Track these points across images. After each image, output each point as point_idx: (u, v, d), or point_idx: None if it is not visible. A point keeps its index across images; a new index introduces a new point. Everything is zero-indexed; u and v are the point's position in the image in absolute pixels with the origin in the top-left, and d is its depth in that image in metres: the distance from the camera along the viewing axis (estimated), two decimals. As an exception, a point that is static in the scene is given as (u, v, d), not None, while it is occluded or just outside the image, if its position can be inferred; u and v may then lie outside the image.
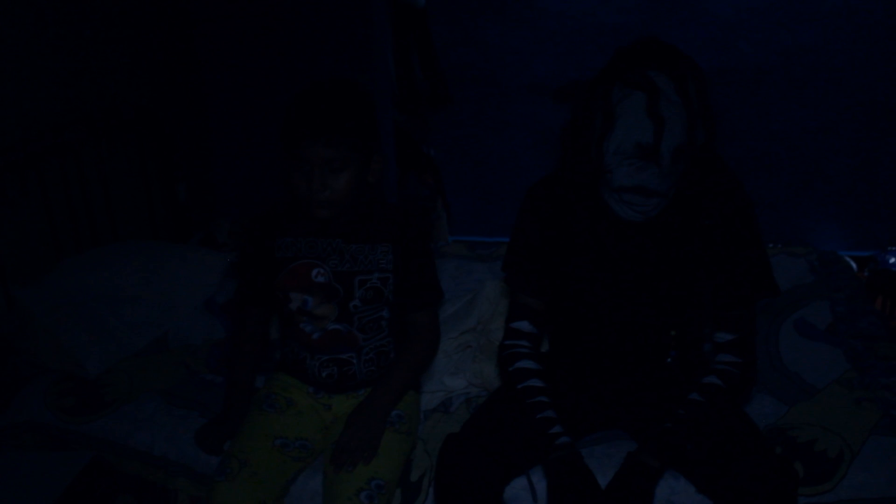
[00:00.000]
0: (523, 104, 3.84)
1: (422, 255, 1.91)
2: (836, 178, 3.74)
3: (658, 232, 1.68)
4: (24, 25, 2.33)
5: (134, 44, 2.90)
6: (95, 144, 2.61)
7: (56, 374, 2.19)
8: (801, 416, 1.93)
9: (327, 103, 1.74)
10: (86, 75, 2.61)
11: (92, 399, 2.11)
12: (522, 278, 1.79)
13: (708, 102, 1.57)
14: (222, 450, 1.89)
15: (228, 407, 1.95)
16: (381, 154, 1.86)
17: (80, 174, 2.55)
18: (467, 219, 4.08)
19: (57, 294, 2.31)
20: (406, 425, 1.89)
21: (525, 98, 3.82)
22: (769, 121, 3.67)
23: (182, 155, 3.13)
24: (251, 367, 2.00)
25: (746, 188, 1.69)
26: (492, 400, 1.85)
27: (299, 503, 1.86)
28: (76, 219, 2.56)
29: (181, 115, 3.24)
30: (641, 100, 1.51)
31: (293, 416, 1.90)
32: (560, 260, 1.74)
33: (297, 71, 3.33)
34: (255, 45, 3.34)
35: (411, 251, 1.89)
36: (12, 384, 2.20)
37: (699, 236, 1.66)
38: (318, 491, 1.85)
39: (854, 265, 3.10)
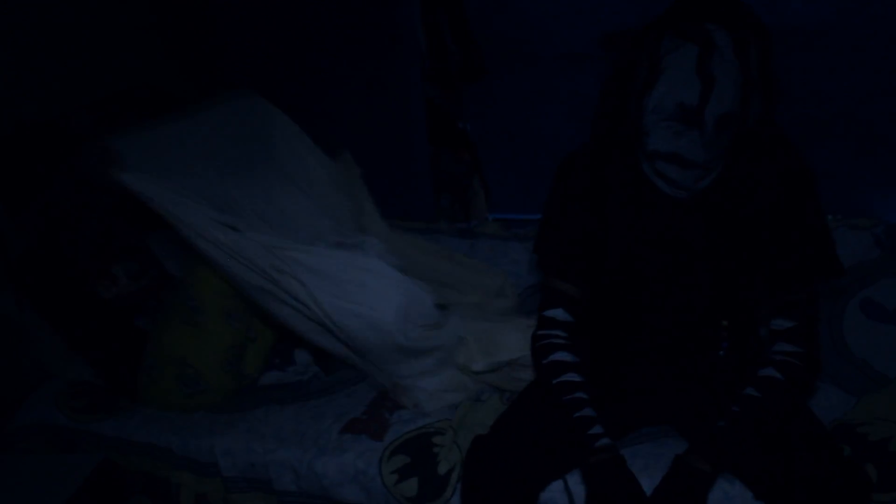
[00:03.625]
0: (562, 75, 3.71)
1: None
2: (899, 144, 3.54)
3: (707, 209, 1.51)
4: (30, 6, 2.22)
5: (148, 22, 2.78)
6: (109, 128, 2.48)
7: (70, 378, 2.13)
8: (871, 410, 1.76)
9: None
10: (96, 56, 2.49)
11: (105, 400, 2.06)
12: (556, 261, 1.63)
13: (771, 70, 1.39)
14: None
15: None
16: None
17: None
18: (504, 196, 3.94)
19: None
20: None
21: (564, 69, 3.68)
22: (823, 84, 3.47)
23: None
24: None
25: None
26: (524, 396, 1.70)
27: None
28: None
29: (199, 97, 3.11)
30: (692, 54, 1.35)
31: None
32: (598, 241, 1.57)
33: (321, 49, 3.20)
34: (276, 21, 3.20)
35: None
36: (26, 386, 2.13)
37: (754, 215, 1.49)
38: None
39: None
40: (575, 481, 1.60)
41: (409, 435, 1.86)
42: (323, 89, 3.22)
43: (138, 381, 2.01)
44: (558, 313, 1.62)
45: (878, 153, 3.58)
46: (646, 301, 1.58)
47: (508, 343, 1.95)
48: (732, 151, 1.47)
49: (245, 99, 2.40)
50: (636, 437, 1.72)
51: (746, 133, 1.44)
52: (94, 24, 2.48)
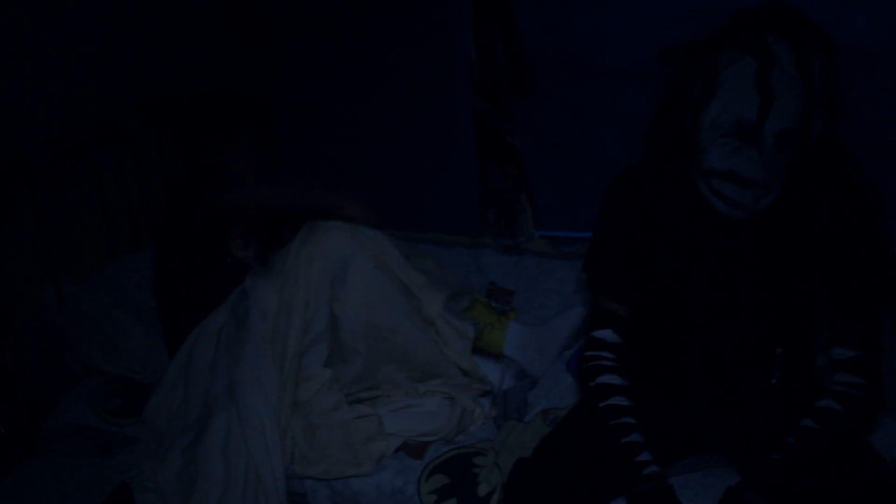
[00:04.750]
0: (613, 91, 3.62)
1: None
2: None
3: (766, 230, 1.44)
4: (77, 8, 2.22)
5: (197, 26, 2.78)
6: (155, 133, 2.49)
7: (107, 376, 2.12)
8: (935, 447, 1.66)
9: None
10: (143, 59, 2.50)
11: (139, 402, 2.03)
12: (606, 281, 1.57)
13: (836, 84, 1.33)
14: None
15: None
16: None
17: (137, 164, 2.43)
18: (551, 213, 3.87)
19: (114, 292, 2.22)
20: None
21: (615, 85, 3.59)
22: (888, 106, 3.33)
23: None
24: None
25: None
26: (569, 419, 1.64)
27: None
28: (134, 213, 2.44)
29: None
30: (751, 67, 1.29)
31: None
32: (648, 261, 1.51)
33: (372, 60, 3.18)
34: (327, 30, 3.19)
35: None
36: (63, 384, 2.12)
37: (816, 237, 1.42)
38: None
39: None
40: (621, 510, 1.54)
41: (449, 454, 1.81)
42: (372, 100, 3.20)
43: None
44: (607, 334, 1.57)
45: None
46: (697, 325, 1.52)
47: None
48: (794, 170, 1.40)
49: None
50: (684, 466, 1.64)
51: (809, 151, 1.37)
52: (143, 28, 2.49)
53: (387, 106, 3.19)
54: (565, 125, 3.75)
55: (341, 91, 3.23)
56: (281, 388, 1.82)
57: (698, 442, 1.63)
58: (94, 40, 2.29)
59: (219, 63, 2.91)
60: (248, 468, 1.75)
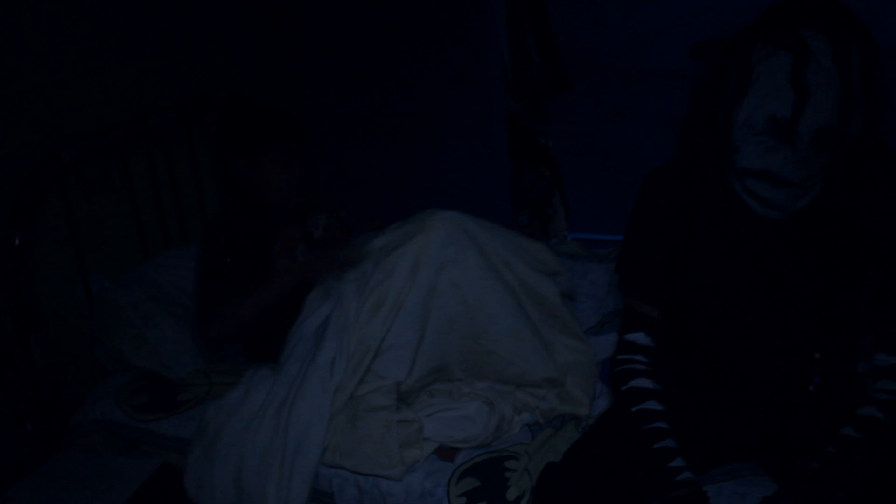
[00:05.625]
0: (650, 91, 3.59)
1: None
2: None
3: (804, 231, 1.39)
4: (109, 6, 2.23)
5: (230, 26, 2.78)
6: (186, 131, 2.50)
7: (134, 372, 2.12)
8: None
9: None
10: (175, 58, 2.50)
11: (165, 398, 2.04)
12: (639, 282, 1.53)
13: (876, 79, 1.28)
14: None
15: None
16: None
17: (168, 163, 2.44)
18: (585, 215, 3.84)
19: (145, 288, 2.22)
20: None
21: (650, 84, 3.56)
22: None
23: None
24: None
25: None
26: (600, 423, 1.60)
27: None
28: (164, 211, 2.45)
29: (280, 103, 3.09)
30: (785, 62, 1.24)
31: None
32: (682, 262, 1.47)
33: (404, 59, 3.16)
34: (361, 31, 3.19)
35: None
36: (91, 381, 2.13)
37: (857, 238, 1.37)
38: None
39: None
40: (652, 518, 1.50)
41: (481, 457, 1.78)
42: (404, 99, 3.19)
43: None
44: (639, 337, 1.53)
45: None
46: (732, 328, 1.47)
47: None
48: (833, 168, 1.35)
49: None
50: (719, 474, 1.59)
51: (848, 149, 1.32)
52: (176, 27, 2.50)
53: (419, 106, 3.18)
54: (600, 125, 3.73)
55: (374, 92, 3.23)
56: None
57: (733, 449, 1.59)
58: (125, 38, 2.29)
59: (252, 64, 2.91)
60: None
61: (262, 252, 2.12)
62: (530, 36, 3.26)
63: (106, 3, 2.21)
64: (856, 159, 1.35)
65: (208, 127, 2.49)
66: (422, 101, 3.16)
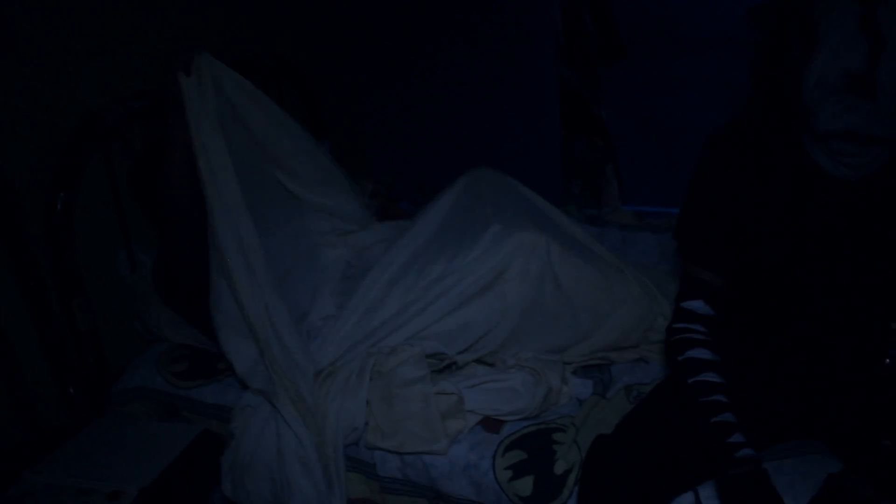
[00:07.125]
0: (705, 59, 3.49)
1: None
2: None
3: (880, 194, 1.30)
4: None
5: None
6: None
7: (174, 342, 2.11)
8: None
9: None
10: (221, 21, 2.46)
11: (205, 365, 2.03)
12: (699, 248, 1.45)
13: None
14: None
15: None
16: None
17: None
18: (638, 186, 3.75)
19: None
20: None
21: (707, 52, 3.46)
22: None
23: (327, 111, 2.94)
24: None
25: None
26: (654, 394, 1.54)
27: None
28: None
29: (328, 69, 3.06)
30: (852, 11, 1.16)
31: None
32: (748, 227, 1.39)
33: (454, 24, 3.10)
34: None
35: None
36: (134, 349, 2.13)
37: None
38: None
39: None
40: (708, 495, 1.43)
41: (527, 430, 1.73)
42: (454, 66, 3.13)
43: None
44: (698, 305, 1.45)
45: None
46: (805, 299, 1.39)
47: None
48: None
49: None
50: (780, 451, 1.52)
51: None
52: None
53: (468, 72, 3.12)
54: (654, 95, 3.64)
55: (422, 58, 3.18)
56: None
57: (796, 425, 1.51)
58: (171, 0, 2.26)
59: (299, 28, 2.87)
60: None
61: None
62: (584, 2, 3.18)
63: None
64: None
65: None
66: (471, 67, 3.10)
